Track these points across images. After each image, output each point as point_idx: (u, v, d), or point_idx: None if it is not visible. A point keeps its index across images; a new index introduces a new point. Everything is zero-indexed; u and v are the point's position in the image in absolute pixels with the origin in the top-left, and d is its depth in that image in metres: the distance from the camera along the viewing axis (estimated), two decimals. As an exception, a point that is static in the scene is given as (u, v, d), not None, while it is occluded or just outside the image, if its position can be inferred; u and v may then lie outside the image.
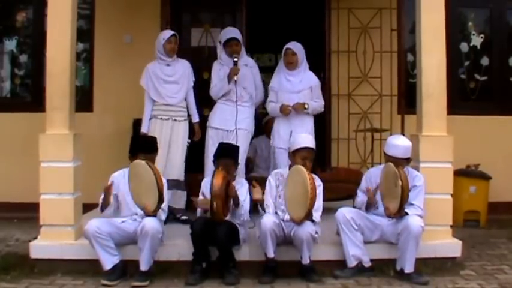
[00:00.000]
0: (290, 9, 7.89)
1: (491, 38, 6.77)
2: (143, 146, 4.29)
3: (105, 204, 4.14)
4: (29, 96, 6.64)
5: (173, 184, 4.90)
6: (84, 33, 6.35)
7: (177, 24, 6.51)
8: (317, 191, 4.10)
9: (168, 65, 5.12)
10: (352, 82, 6.41)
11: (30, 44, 6.62)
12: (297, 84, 5.07)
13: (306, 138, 4.36)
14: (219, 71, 5.15)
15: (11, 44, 6.63)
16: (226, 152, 4.32)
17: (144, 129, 5.12)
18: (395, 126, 6.07)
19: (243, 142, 4.99)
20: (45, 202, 4.30)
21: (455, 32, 6.57)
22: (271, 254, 4.07)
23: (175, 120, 5.06)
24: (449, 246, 4.42)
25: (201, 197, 4.27)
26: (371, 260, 4.21)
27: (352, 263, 4.17)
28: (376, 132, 6.06)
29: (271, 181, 4.32)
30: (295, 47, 5.09)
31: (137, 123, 6.02)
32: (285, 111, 4.98)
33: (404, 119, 5.85)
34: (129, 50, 6.34)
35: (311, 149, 4.26)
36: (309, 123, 5.08)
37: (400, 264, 4.14)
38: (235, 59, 5.01)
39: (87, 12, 6.46)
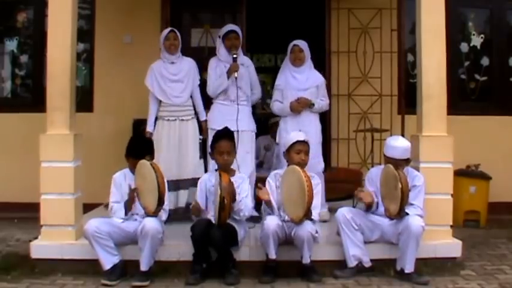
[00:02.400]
0: (290, 10, 7.90)
1: (491, 38, 6.77)
2: (131, 151, 4.26)
3: (128, 209, 4.15)
4: (29, 96, 6.65)
5: (191, 183, 4.88)
6: (85, 34, 6.35)
7: (177, 25, 6.50)
8: (315, 190, 4.11)
9: (173, 62, 5.09)
10: (352, 82, 6.41)
11: (31, 45, 6.63)
12: (304, 82, 5.10)
13: (298, 133, 4.39)
14: (215, 68, 5.09)
15: (11, 45, 6.64)
16: (226, 134, 4.31)
17: (149, 128, 5.08)
18: (396, 127, 6.08)
19: (247, 143, 4.98)
20: (45, 202, 4.30)
21: (455, 32, 6.58)
22: (273, 256, 4.07)
23: (182, 120, 5.02)
24: (449, 246, 4.42)
25: (198, 200, 4.26)
26: (371, 260, 4.22)
27: (352, 263, 4.17)
28: (376, 132, 6.05)
29: (270, 182, 4.31)
30: (302, 43, 5.15)
31: (137, 123, 6.04)
32: (296, 108, 4.98)
33: (404, 119, 5.86)
34: (129, 50, 6.35)
35: (304, 141, 4.26)
36: (316, 121, 5.15)
37: (400, 264, 4.14)
38: (235, 56, 4.98)
39: (87, 12, 6.47)
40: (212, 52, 5.36)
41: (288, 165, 4.24)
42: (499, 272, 4.35)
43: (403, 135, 5.04)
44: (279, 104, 5.15)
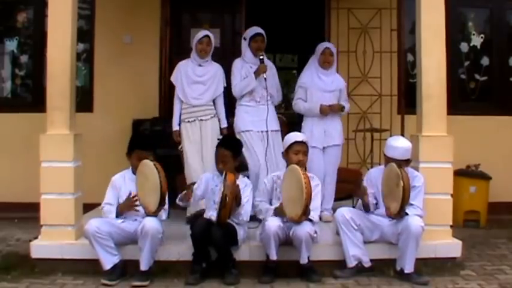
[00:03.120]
0: (290, 10, 7.90)
1: (491, 38, 6.77)
2: (137, 143, 4.31)
3: (120, 214, 4.17)
4: (29, 96, 6.65)
5: None
6: (85, 34, 6.35)
7: (177, 25, 6.53)
8: (315, 191, 4.11)
9: (200, 65, 5.09)
10: (352, 82, 6.40)
11: (31, 45, 6.62)
12: (330, 84, 5.16)
13: (296, 134, 4.39)
14: (241, 69, 5.10)
15: (11, 45, 6.63)
16: (226, 143, 4.33)
17: (176, 127, 5.07)
18: (395, 127, 6.08)
19: (277, 142, 4.99)
20: (45, 202, 4.30)
21: (455, 32, 6.58)
22: (273, 256, 4.07)
23: (201, 120, 5.01)
24: (449, 246, 4.42)
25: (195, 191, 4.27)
26: (371, 260, 4.22)
27: (352, 263, 4.18)
28: (376, 132, 6.06)
29: (266, 184, 4.33)
30: (333, 47, 5.23)
31: (137, 123, 6.05)
32: (325, 111, 5.02)
33: (404, 119, 5.86)
34: (129, 50, 6.36)
35: (302, 142, 4.27)
36: (339, 122, 5.24)
37: (400, 264, 4.14)
38: (262, 57, 5.01)
39: (87, 12, 6.47)
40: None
41: (287, 165, 4.24)
42: (499, 272, 4.35)
43: (402, 135, 5.04)
44: (304, 103, 5.16)
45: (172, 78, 5.16)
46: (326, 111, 5.04)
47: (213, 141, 4.98)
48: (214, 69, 5.12)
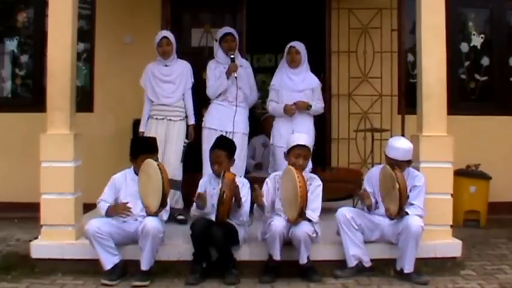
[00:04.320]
0: (290, 10, 7.90)
1: (491, 38, 6.77)
2: (143, 147, 4.30)
3: (109, 215, 4.16)
4: (29, 96, 6.65)
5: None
6: (85, 34, 6.35)
7: (177, 25, 6.52)
8: (315, 192, 4.11)
9: (166, 65, 5.13)
10: (352, 82, 6.41)
11: (31, 44, 6.62)
12: (299, 83, 5.10)
13: (300, 137, 4.36)
14: (214, 70, 5.13)
15: (11, 44, 6.63)
16: (219, 144, 4.33)
17: (142, 128, 5.16)
18: (396, 127, 6.07)
19: (240, 145, 4.94)
20: (46, 202, 4.30)
21: (455, 32, 6.57)
22: (277, 257, 4.07)
23: (170, 120, 5.05)
24: (449, 246, 4.42)
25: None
26: (371, 260, 4.22)
27: (352, 262, 4.18)
28: (377, 132, 6.05)
29: (268, 183, 4.31)
30: (299, 45, 5.15)
31: (137, 123, 6.01)
32: (289, 111, 4.98)
33: (404, 119, 5.85)
34: (130, 50, 6.35)
35: (304, 146, 4.24)
36: (309, 123, 5.12)
37: (400, 264, 4.14)
38: (232, 56, 5.02)
39: (87, 12, 6.47)
40: (212, 52, 5.37)
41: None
42: (499, 272, 4.36)
43: (403, 135, 5.04)
44: (274, 104, 5.15)
45: (141, 82, 5.20)
46: (290, 110, 4.99)
47: (178, 144, 5.03)
48: (181, 67, 5.15)
